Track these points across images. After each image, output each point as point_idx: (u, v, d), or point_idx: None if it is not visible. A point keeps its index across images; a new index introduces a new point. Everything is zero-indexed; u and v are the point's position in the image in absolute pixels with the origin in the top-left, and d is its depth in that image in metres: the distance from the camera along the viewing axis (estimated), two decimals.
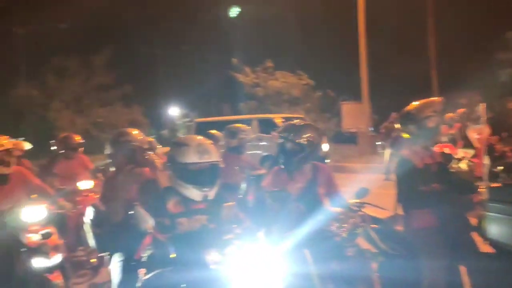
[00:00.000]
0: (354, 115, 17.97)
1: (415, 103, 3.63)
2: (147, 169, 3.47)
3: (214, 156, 2.62)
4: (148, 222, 2.34)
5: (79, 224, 5.29)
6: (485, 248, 3.95)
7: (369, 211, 3.91)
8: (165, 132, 28.32)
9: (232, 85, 21.51)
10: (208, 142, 2.67)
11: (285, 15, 21.79)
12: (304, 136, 3.30)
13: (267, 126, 12.40)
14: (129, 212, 2.44)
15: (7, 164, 3.94)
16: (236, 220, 2.68)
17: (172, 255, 2.30)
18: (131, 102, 24.95)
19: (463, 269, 3.36)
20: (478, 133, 6.36)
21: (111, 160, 3.44)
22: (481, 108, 7.27)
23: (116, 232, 3.00)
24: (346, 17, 18.03)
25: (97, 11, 23.21)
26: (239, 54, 20.95)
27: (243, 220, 2.75)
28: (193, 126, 15.11)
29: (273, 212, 3.10)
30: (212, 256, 2.34)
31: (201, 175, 2.55)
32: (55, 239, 3.93)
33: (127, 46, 25.51)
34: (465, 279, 3.33)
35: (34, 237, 3.81)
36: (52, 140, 6.87)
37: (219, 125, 6.37)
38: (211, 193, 2.61)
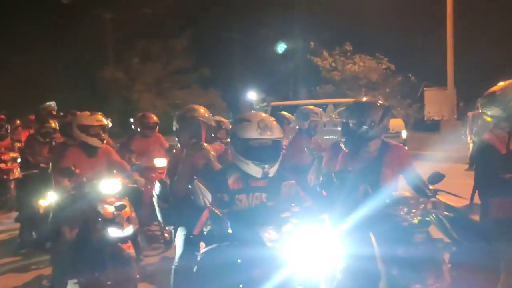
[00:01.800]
0: (437, 102, 17.02)
1: (501, 84, 3.31)
2: (215, 146, 3.49)
3: (276, 132, 2.55)
4: (206, 196, 2.34)
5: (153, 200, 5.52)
6: None
7: (443, 198, 3.68)
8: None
9: (309, 69, 21.21)
10: (271, 118, 2.61)
11: None
12: (368, 115, 3.13)
13: None
14: (188, 186, 2.45)
15: (100, 139, 4.22)
16: (297, 199, 2.61)
17: (229, 231, 2.29)
18: (209, 85, 25.64)
19: None
20: None
21: (176, 137, 3.50)
22: None
23: (179, 206, 3.06)
24: None
25: None
26: (317, 36, 20.49)
27: (304, 199, 2.68)
28: (269, 110, 15.15)
29: (338, 192, 2.99)
30: (269, 234, 2.30)
31: (261, 151, 2.50)
32: (128, 211, 4.12)
33: (206, 30, 26.10)
34: None
35: (109, 208, 4.02)
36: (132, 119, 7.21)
37: (294, 109, 6.29)
38: (272, 170, 2.56)
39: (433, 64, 17.53)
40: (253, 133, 2.50)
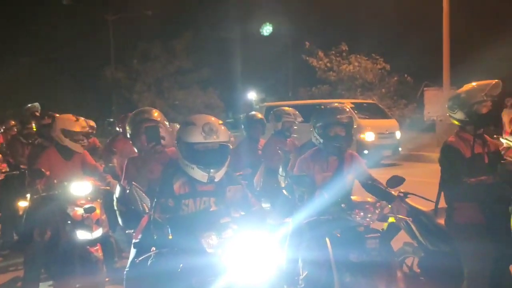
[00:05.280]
0: (437, 102, 16.82)
1: (468, 85, 3.27)
2: (171, 149, 3.45)
3: (222, 136, 2.49)
4: (145, 202, 2.29)
5: None
6: None
7: (413, 201, 3.64)
8: (242, 116, 28.64)
9: (306, 70, 21.14)
10: (217, 122, 2.54)
11: None
12: (337, 121, 3.12)
13: None
14: (126, 192, 2.41)
15: (83, 145, 4.26)
16: (244, 203, 2.58)
17: (170, 237, 2.25)
18: (208, 86, 25.63)
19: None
20: None
21: (131, 141, 3.47)
22: None
23: (135, 211, 3.01)
24: None
25: None
26: (313, 36, 20.41)
27: (252, 203, 2.64)
28: (263, 111, 15.08)
29: (296, 196, 2.98)
30: (211, 240, 2.26)
31: (207, 156, 2.44)
32: (99, 213, 4.10)
33: (205, 31, 26.11)
34: None
35: (79, 211, 4.01)
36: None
37: None
38: (218, 174, 2.49)
39: (433, 64, 17.38)
40: (197, 137, 2.44)
